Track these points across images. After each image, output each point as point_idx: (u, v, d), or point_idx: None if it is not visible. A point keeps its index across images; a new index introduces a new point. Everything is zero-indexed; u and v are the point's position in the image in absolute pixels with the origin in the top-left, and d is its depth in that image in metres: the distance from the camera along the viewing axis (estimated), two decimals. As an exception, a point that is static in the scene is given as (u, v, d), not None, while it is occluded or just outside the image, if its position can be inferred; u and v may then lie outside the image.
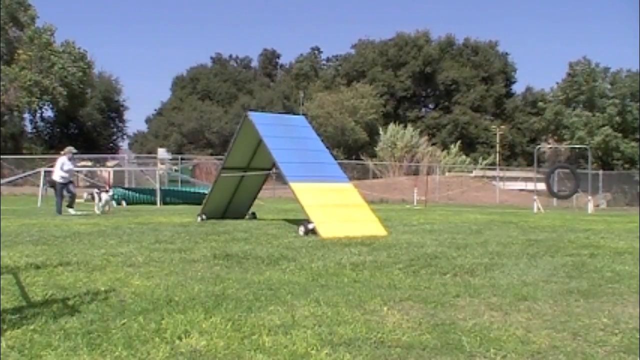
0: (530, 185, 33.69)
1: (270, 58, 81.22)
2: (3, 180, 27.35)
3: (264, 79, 77.40)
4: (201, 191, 20.61)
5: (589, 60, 48.36)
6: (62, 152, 13.92)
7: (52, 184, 13.76)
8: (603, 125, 44.07)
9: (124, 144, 62.44)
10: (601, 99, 45.82)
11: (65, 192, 13.54)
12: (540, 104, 51.19)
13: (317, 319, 3.17)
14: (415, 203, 25.78)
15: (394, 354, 2.62)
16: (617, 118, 44.56)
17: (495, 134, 57.70)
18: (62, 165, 13.50)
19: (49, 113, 51.29)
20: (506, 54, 67.82)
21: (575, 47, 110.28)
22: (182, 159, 39.46)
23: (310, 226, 7.89)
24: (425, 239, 7.53)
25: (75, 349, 2.61)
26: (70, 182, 13.79)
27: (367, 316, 3.26)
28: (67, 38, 46.45)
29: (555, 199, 27.52)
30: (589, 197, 22.39)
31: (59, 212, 13.15)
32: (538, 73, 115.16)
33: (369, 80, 62.04)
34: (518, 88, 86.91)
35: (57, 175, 13.51)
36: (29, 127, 52.35)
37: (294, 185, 8.55)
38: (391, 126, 47.10)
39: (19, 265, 4.98)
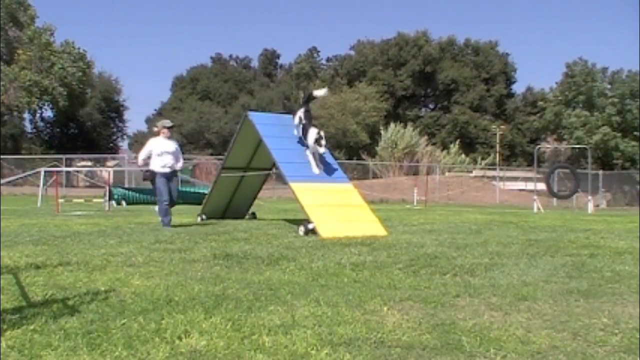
0: (530, 185, 33.70)
1: (270, 58, 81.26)
2: (3, 180, 27.34)
3: (264, 79, 77.43)
4: (201, 191, 20.61)
5: (586, 60, 48.48)
6: (155, 128, 9.70)
7: (151, 177, 9.33)
8: (602, 125, 44.10)
9: (124, 144, 62.48)
10: (600, 98, 45.84)
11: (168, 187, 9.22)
12: (540, 103, 51.24)
13: (317, 319, 3.17)
14: (415, 203, 25.78)
15: (394, 354, 2.62)
16: (617, 118, 44.58)
17: (495, 134, 57.72)
18: (149, 150, 9.29)
19: (48, 113, 51.37)
20: (506, 54, 67.88)
21: (575, 48, 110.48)
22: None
23: (310, 226, 7.88)
24: (425, 239, 7.52)
25: (75, 349, 2.61)
26: (174, 174, 9.47)
27: (367, 316, 3.26)
28: (67, 38, 46.52)
29: (555, 199, 27.53)
30: (589, 197, 22.39)
31: (167, 223, 9.03)
32: (538, 73, 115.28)
33: (368, 79, 62.04)
34: (518, 88, 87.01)
35: (154, 162, 9.20)
36: (28, 127, 52.44)
37: (294, 185, 8.55)
38: (392, 126, 47.08)
39: (19, 265, 4.98)
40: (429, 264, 5.23)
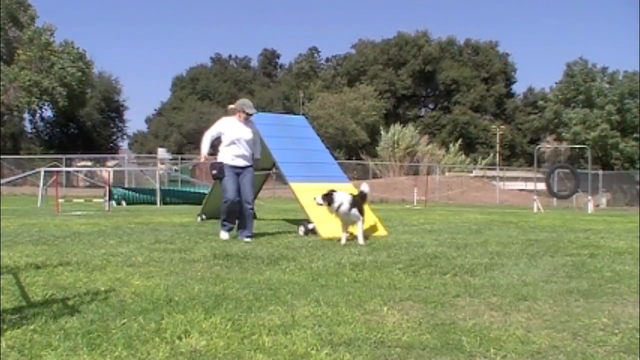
0: (530, 185, 33.71)
1: (270, 58, 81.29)
2: (3, 180, 27.35)
3: (264, 79, 77.46)
4: (201, 191, 20.62)
5: (586, 60, 48.57)
6: (229, 106, 7.60)
7: (220, 176, 7.24)
8: (602, 123, 44.13)
9: (124, 144, 62.57)
10: (599, 98, 45.87)
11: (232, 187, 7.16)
12: (540, 102, 51.30)
13: (317, 319, 3.17)
14: (415, 203, 25.78)
15: (394, 354, 2.62)
16: (616, 116, 44.60)
17: (495, 134, 57.74)
18: (219, 133, 7.31)
19: (48, 113, 51.42)
20: (506, 54, 67.93)
21: (575, 48, 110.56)
22: (182, 159, 39.50)
23: (310, 226, 7.88)
24: (425, 239, 7.53)
25: (75, 349, 2.61)
26: (249, 167, 7.36)
27: (367, 316, 3.26)
28: (67, 38, 46.54)
29: (555, 199, 27.52)
30: (589, 197, 22.39)
31: (227, 229, 7.27)
32: (538, 73, 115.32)
33: (369, 79, 62.06)
34: (519, 88, 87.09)
35: (222, 152, 7.29)
36: (28, 127, 52.49)
37: (294, 185, 8.54)
38: (392, 127, 47.04)
39: (19, 265, 4.98)
40: (429, 264, 5.23)
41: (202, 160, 7.58)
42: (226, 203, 7.23)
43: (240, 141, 7.27)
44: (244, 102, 7.55)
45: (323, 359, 2.54)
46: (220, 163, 7.26)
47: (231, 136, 7.25)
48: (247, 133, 7.36)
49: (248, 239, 7.08)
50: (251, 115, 7.47)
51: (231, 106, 7.55)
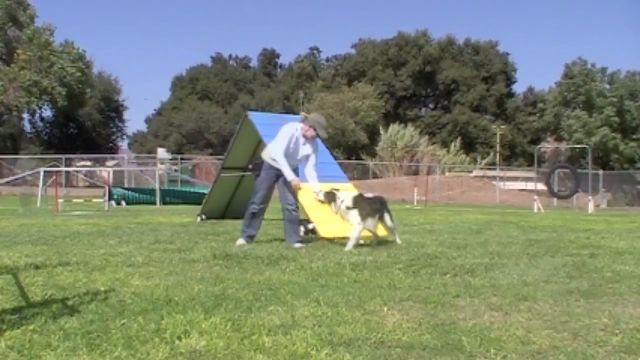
0: (530, 185, 33.73)
1: (270, 58, 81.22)
2: (3, 180, 27.34)
3: (264, 78, 77.41)
4: (201, 191, 20.63)
5: (585, 60, 48.61)
6: (303, 114, 7.40)
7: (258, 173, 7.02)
8: (601, 126, 44.16)
9: (123, 144, 62.43)
10: (598, 98, 45.87)
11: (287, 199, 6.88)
12: (540, 104, 51.32)
13: (317, 319, 3.17)
14: (415, 203, 25.77)
15: (394, 354, 2.62)
16: (616, 118, 44.61)
17: (495, 134, 57.74)
18: (285, 151, 6.69)
19: (48, 113, 51.28)
20: (507, 54, 67.88)
21: (575, 48, 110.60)
22: (182, 159, 39.52)
23: (310, 226, 7.88)
24: (426, 239, 7.52)
25: (74, 349, 2.60)
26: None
27: (367, 316, 3.26)
28: (67, 38, 46.46)
29: (555, 199, 27.53)
30: (589, 197, 22.39)
31: (245, 235, 6.80)
32: (539, 73, 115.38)
33: (369, 80, 62.04)
34: (519, 88, 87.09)
35: (269, 151, 6.89)
36: (28, 127, 52.38)
37: (294, 185, 8.52)
38: (391, 127, 47.02)
39: (18, 265, 4.98)
40: (429, 264, 5.22)
41: (298, 185, 6.82)
42: (251, 206, 6.85)
43: (293, 155, 6.76)
44: (319, 121, 6.87)
45: (323, 359, 2.53)
46: (261, 162, 6.85)
47: (289, 147, 6.71)
48: (303, 151, 6.82)
49: (298, 245, 6.53)
50: (319, 138, 6.90)
51: (305, 115, 7.05)
